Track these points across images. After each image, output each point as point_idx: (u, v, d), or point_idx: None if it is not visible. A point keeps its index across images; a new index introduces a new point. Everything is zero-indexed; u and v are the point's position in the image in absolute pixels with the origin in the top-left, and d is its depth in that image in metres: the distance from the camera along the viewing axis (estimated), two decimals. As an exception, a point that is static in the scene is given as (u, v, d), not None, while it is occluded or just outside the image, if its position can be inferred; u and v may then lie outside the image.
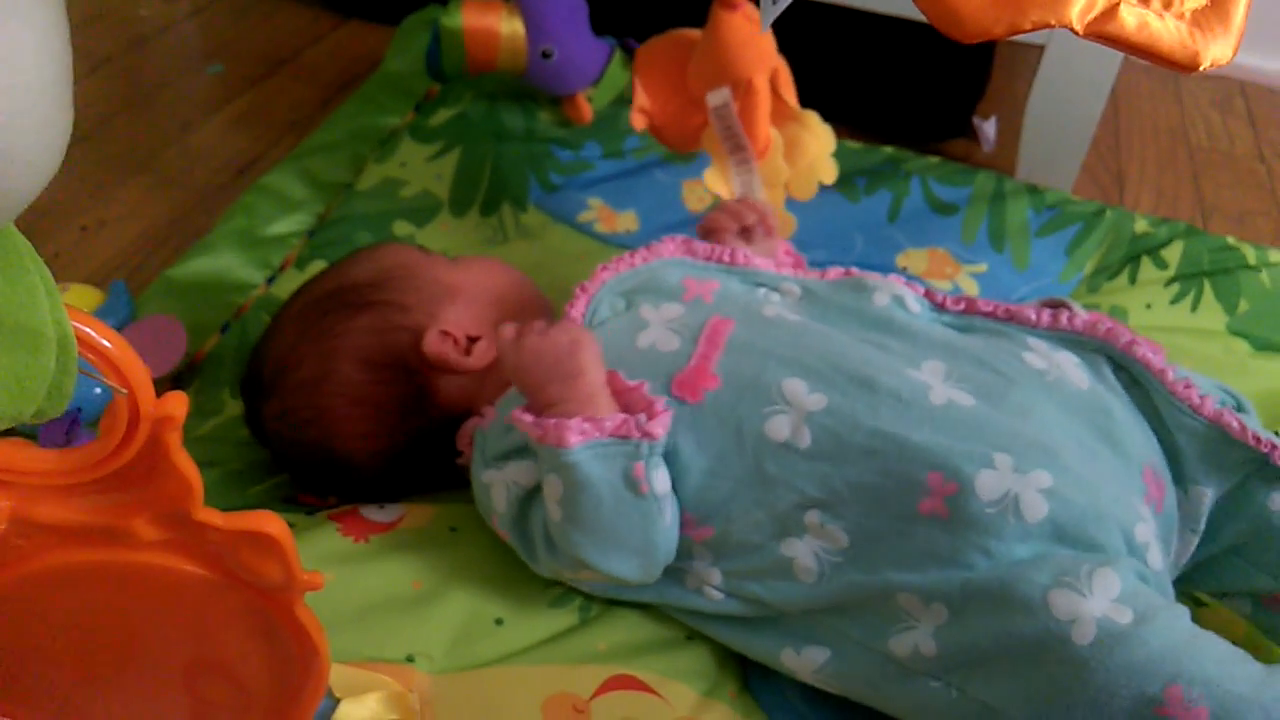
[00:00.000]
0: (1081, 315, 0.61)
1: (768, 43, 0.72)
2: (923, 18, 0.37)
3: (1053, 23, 0.40)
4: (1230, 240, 0.89)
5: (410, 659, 0.54)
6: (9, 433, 0.32)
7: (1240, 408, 0.60)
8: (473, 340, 0.65)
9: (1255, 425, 0.58)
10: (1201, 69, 0.42)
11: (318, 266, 0.82)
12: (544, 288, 0.73)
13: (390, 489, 0.66)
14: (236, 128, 1.12)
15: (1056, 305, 0.63)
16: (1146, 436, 0.57)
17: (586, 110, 1.03)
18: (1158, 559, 0.53)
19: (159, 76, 1.21)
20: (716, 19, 0.71)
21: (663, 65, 0.77)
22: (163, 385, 0.73)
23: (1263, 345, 0.81)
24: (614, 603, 0.59)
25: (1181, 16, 0.41)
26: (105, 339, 0.30)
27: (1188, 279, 0.86)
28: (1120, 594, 0.48)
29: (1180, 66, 0.42)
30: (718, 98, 0.71)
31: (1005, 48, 1.12)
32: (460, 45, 0.98)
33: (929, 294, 0.64)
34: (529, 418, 0.54)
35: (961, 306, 0.63)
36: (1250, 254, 0.87)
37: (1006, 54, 1.16)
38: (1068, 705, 0.47)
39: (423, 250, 0.71)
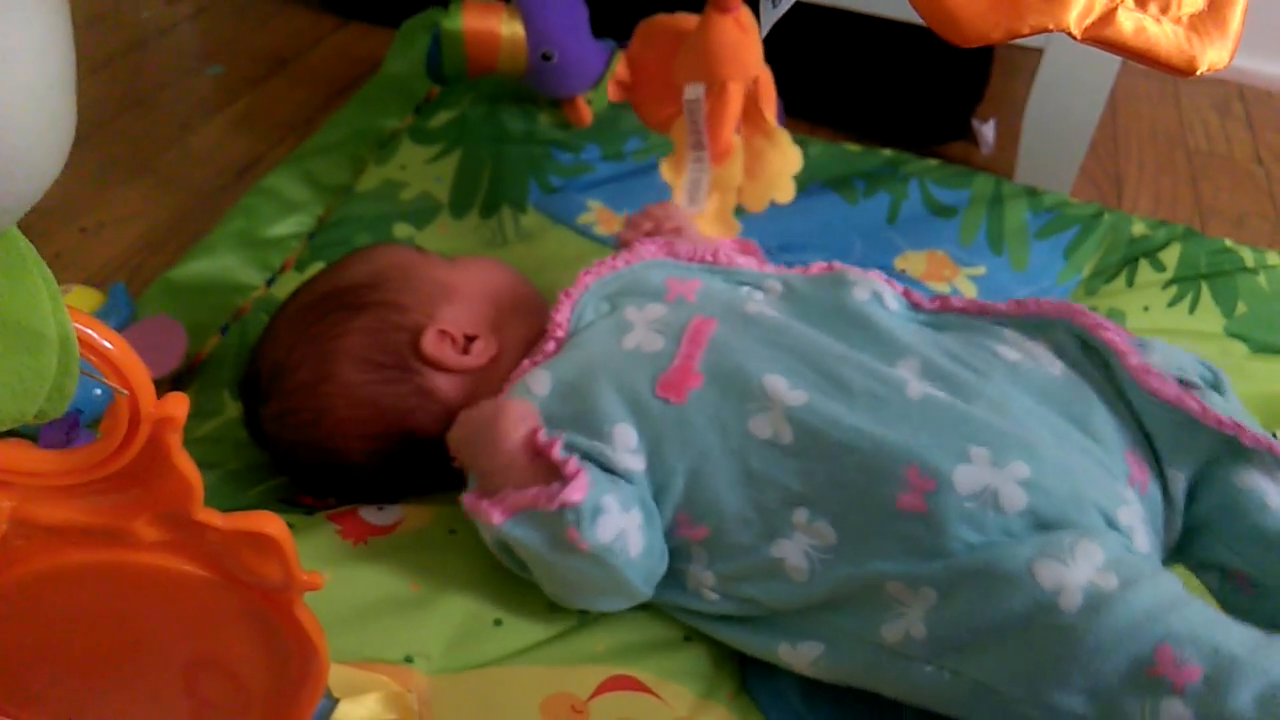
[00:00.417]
0: (1047, 300, 0.62)
1: (752, 53, 0.72)
2: (921, 21, 0.37)
3: (1050, 27, 0.40)
4: (1228, 243, 0.89)
5: (409, 659, 0.55)
6: (10, 434, 0.32)
7: (1216, 385, 0.60)
8: (470, 339, 0.65)
9: (1227, 406, 0.58)
10: (1198, 73, 0.42)
11: (318, 268, 0.82)
12: (543, 290, 0.73)
13: (389, 489, 0.66)
14: (237, 129, 1.12)
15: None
16: (1125, 419, 0.58)
17: (586, 113, 1.03)
18: (1144, 542, 0.54)
19: (159, 78, 1.21)
20: (707, 17, 0.72)
21: (657, 44, 0.78)
22: (163, 386, 0.73)
23: (1260, 347, 0.81)
24: (613, 604, 0.60)
25: (1178, 21, 0.41)
26: (106, 340, 0.30)
27: (1185, 281, 0.86)
28: (1104, 562, 0.49)
29: (1177, 71, 0.42)
30: (692, 92, 0.73)
31: (1004, 51, 1.13)
32: (460, 47, 0.98)
33: (907, 293, 0.65)
34: (466, 496, 0.57)
35: (936, 305, 0.64)
36: (1248, 256, 0.87)
37: (1005, 57, 1.17)
38: (1060, 674, 0.47)
39: (419, 250, 0.71)
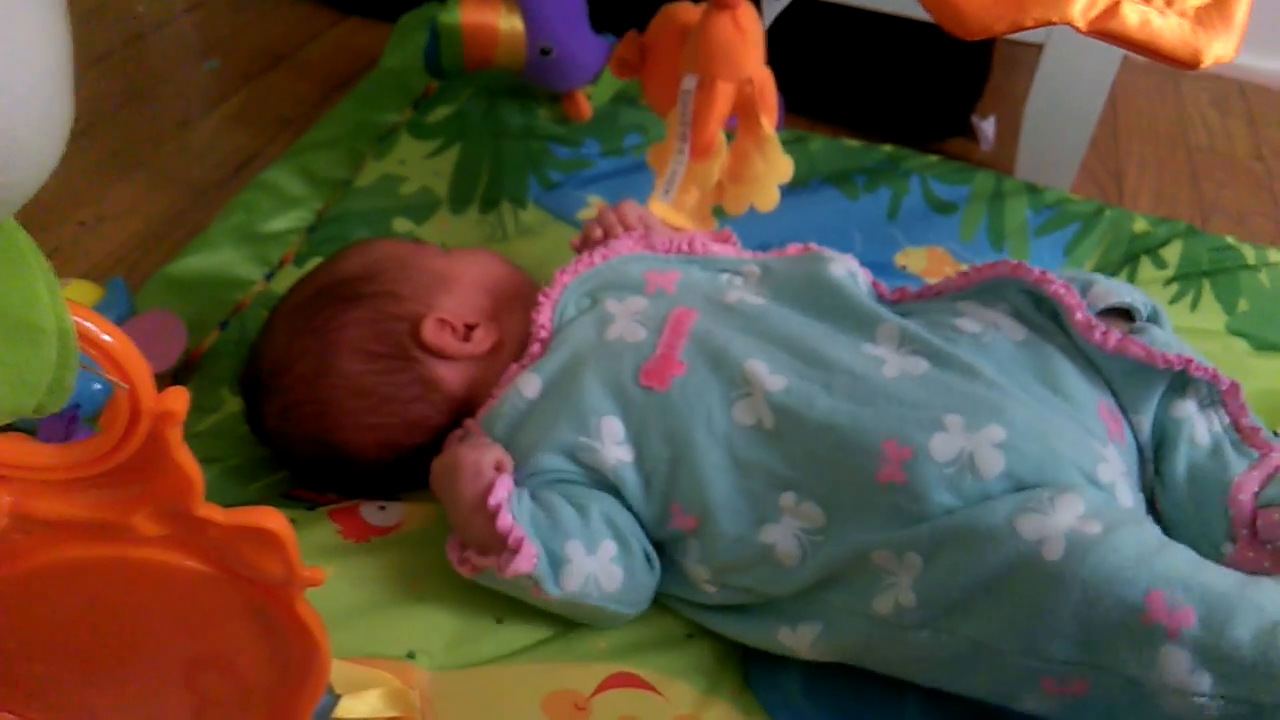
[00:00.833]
0: (987, 264, 0.63)
1: (746, 53, 0.72)
2: (923, 16, 0.37)
3: (1055, 20, 0.40)
4: (1229, 240, 0.89)
5: (411, 655, 0.54)
6: (9, 428, 0.32)
7: (1155, 317, 0.62)
8: (470, 327, 0.66)
9: (1168, 340, 0.59)
10: (1203, 66, 0.42)
11: (316, 263, 0.81)
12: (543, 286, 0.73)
13: (391, 483, 0.66)
14: (234, 124, 1.11)
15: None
16: (1092, 375, 0.58)
17: (586, 107, 1.03)
18: (1127, 497, 0.54)
19: (157, 72, 1.21)
20: (707, 12, 0.71)
21: (673, 30, 0.78)
22: (162, 381, 0.73)
23: (1262, 345, 0.81)
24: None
25: (1184, 14, 0.41)
26: (106, 334, 0.30)
27: (1187, 279, 0.86)
28: (1085, 511, 0.49)
29: (1182, 64, 0.42)
30: (687, 84, 0.72)
31: (1004, 46, 1.12)
32: (459, 42, 0.97)
33: (875, 283, 0.67)
34: (448, 540, 0.58)
35: (896, 296, 0.66)
36: (1249, 253, 0.87)
37: (1005, 53, 1.16)
38: (1052, 624, 0.48)
39: (415, 241, 0.71)
